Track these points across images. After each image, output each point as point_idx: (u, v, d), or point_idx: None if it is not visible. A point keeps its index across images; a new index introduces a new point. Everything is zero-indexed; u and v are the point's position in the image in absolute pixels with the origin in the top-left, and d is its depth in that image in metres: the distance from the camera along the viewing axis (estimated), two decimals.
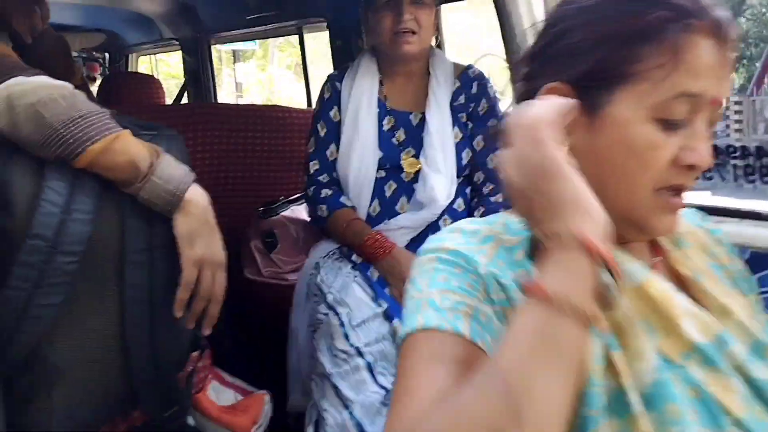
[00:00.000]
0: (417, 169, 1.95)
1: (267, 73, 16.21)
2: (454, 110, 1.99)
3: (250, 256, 2.32)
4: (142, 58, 4.60)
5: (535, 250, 0.77)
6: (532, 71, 0.82)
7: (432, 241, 0.82)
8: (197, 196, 1.28)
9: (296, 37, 3.19)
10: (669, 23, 0.73)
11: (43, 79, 1.23)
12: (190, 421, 1.48)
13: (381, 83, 2.03)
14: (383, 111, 2.00)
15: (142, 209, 1.25)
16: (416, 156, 1.96)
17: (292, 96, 13.65)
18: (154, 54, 5.07)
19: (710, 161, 0.75)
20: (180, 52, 3.66)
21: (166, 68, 9.66)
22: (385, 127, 1.99)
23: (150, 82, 3.25)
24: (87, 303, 1.22)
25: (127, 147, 1.22)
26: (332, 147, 2.03)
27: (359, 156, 1.95)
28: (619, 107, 0.75)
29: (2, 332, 1.13)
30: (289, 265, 2.28)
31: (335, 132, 2.02)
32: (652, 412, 0.70)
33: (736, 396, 0.73)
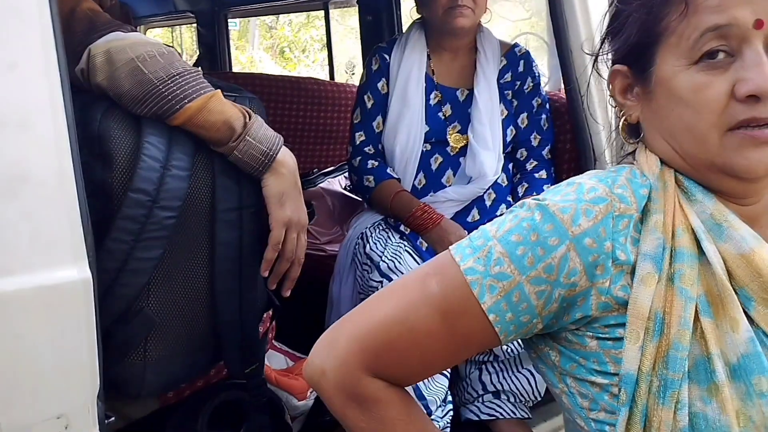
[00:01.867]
0: (463, 144, 1.98)
1: (247, 54, 16.05)
2: (501, 87, 2.02)
3: None
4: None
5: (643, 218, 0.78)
6: (607, 52, 0.88)
7: (549, 192, 0.81)
8: (287, 157, 1.30)
9: (273, 20, 3.17)
10: None
11: (141, 36, 1.24)
12: None
13: (429, 57, 2.05)
14: (431, 85, 2.03)
15: (232, 169, 1.27)
16: (462, 131, 1.99)
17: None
18: (163, 27, 5.01)
19: None
20: (170, 27, 3.61)
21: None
22: (432, 102, 2.02)
23: None
24: (180, 258, 1.25)
25: (222, 107, 1.24)
26: (379, 119, 2.05)
27: (407, 129, 1.98)
28: (662, 67, 0.78)
29: (104, 284, 1.14)
30: (326, 236, 2.31)
31: (382, 104, 2.05)
32: (738, 383, 0.71)
33: None
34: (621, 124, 0.87)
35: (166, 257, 1.21)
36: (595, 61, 0.90)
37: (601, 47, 0.89)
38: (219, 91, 1.26)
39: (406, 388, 0.85)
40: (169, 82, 1.19)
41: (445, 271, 0.79)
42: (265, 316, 1.47)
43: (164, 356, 1.25)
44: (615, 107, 0.89)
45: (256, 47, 16.27)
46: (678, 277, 0.74)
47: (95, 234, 1.09)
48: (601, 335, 0.77)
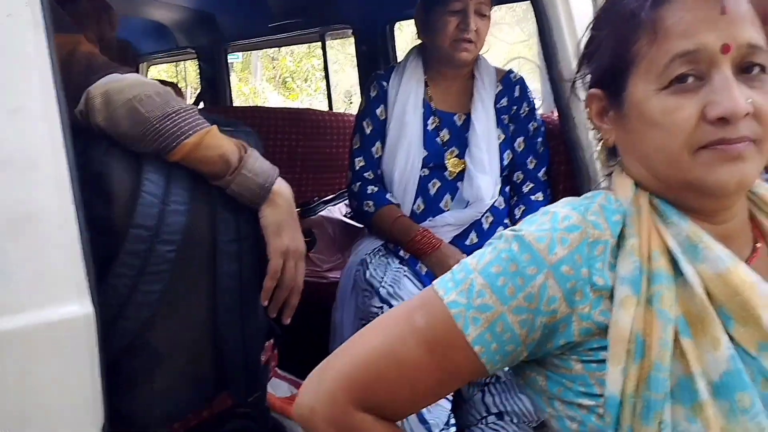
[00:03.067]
0: (461, 168, 2.01)
1: (250, 85, 16.22)
2: (497, 112, 2.06)
3: None
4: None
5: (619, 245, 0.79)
6: (582, 76, 0.91)
7: (524, 222, 0.83)
8: (284, 188, 1.34)
9: (275, 51, 3.24)
10: (644, 2, 0.79)
11: (137, 77, 1.28)
12: None
13: (426, 84, 2.10)
14: (428, 111, 2.07)
15: (230, 201, 1.30)
16: (459, 156, 2.03)
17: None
18: (166, 63, 5.10)
19: (738, 107, 0.73)
20: (174, 63, 3.67)
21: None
22: (430, 127, 2.06)
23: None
24: (183, 291, 1.27)
25: (217, 141, 1.27)
26: (377, 144, 2.09)
27: (405, 154, 2.02)
28: (634, 91, 0.80)
29: (107, 318, 1.17)
30: (327, 264, 2.33)
31: (381, 130, 2.09)
32: (720, 401, 0.72)
33: None
34: (600, 146, 0.90)
35: (169, 290, 1.24)
36: (573, 85, 0.93)
37: (578, 71, 0.92)
38: (215, 126, 1.29)
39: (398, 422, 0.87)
40: (165, 120, 1.23)
41: (430, 305, 0.81)
42: (267, 344, 1.49)
43: (170, 387, 1.27)
44: (593, 130, 0.92)
45: (259, 78, 16.46)
46: (656, 299, 0.76)
47: (98, 270, 1.12)
48: (585, 358, 0.78)
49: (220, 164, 1.27)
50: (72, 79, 1.25)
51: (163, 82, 3.68)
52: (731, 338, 0.75)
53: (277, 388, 1.81)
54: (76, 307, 1.07)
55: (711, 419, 0.71)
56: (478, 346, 0.78)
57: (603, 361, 0.76)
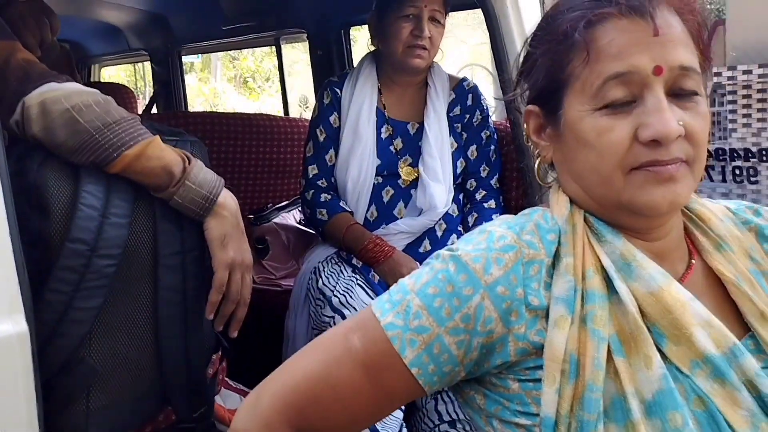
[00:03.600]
0: (414, 177, 2.01)
1: (210, 86, 16.04)
2: (450, 120, 2.06)
3: None
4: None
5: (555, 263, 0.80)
6: (521, 93, 0.91)
7: (461, 241, 0.83)
8: (229, 199, 1.31)
9: (237, 51, 3.21)
10: (577, 23, 0.79)
11: (76, 86, 1.24)
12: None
13: (380, 92, 2.09)
14: (381, 119, 2.06)
15: (173, 213, 1.27)
16: (413, 164, 2.03)
17: (236, 109, 13.61)
18: (117, 65, 5.00)
19: (670, 130, 0.74)
20: (125, 63, 3.60)
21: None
22: (383, 135, 2.05)
23: (122, 92, 3.21)
24: (122, 306, 1.24)
25: (160, 152, 1.24)
26: (331, 152, 2.07)
27: (358, 162, 2.00)
28: (569, 111, 0.81)
29: (42, 335, 1.13)
30: (281, 271, 2.31)
31: (334, 137, 2.07)
32: (653, 419, 0.72)
33: (743, 411, 0.73)
34: (537, 164, 0.90)
35: (108, 305, 1.21)
36: (512, 101, 0.93)
37: (515, 87, 0.92)
38: (157, 137, 1.26)
39: None
40: (105, 130, 1.20)
41: (367, 327, 0.80)
42: (214, 357, 1.46)
43: (108, 405, 1.23)
44: (530, 146, 0.92)
45: (219, 78, 16.27)
46: (590, 318, 0.76)
47: (33, 285, 1.09)
48: (522, 378, 0.78)
49: (162, 176, 1.24)
50: (7, 88, 1.21)
51: (115, 85, 3.62)
52: (664, 357, 0.75)
53: (228, 399, 1.77)
54: (9, 325, 1.04)
55: None
56: (416, 368, 0.77)
57: (539, 380, 0.76)
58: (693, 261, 0.86)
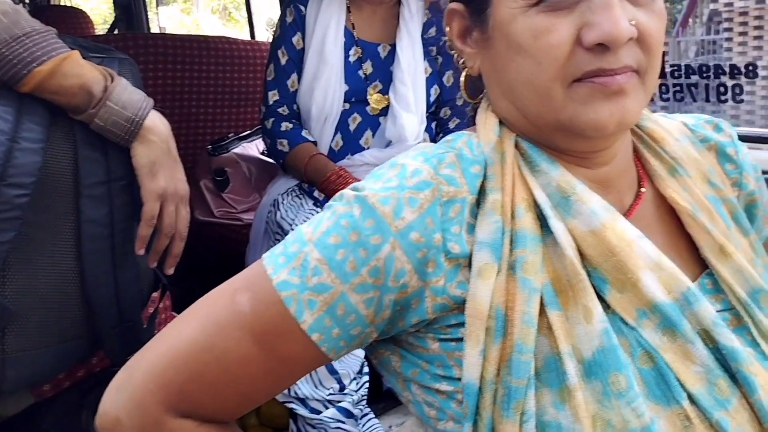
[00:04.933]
0: (384, 105, 1.88)
1: (192, 17, 15.58)
2: (425, 43, 1.91)
3: (200, 196, 2.22)
4: None
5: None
6: None
7: (370, 177, 0.70)
8: (158, 123, 1.18)
9: None
10: None
11: None
12: None
13: (348, 10, 1.92)
14: (350, 41, 1.90)
15: (97, 139, 1.15)
16: (383, 91, 1.89)
17: None
18: None
19: (620, 31, 0.61)
20: None
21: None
22: (352, 59, 1.90)
23: (78, 15, 3.02)
24: (40, 240, 1.12)
25: (77, 69, 1.11)
26: (293, 77, 1.92)
27: (323, 89, 1.86)
28: (499, 8, 0.67)
29: None
30: (242, 205, 2.20)
31: (297, 60, 1.91)
32: (593, 382, 0.61)
33: (696, 367, 0.64)
34: (463, 76, 0.76)
35: (23, 240, 1.09)
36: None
37: None
38: (75, 52, 1.12)
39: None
40: (13, 44, 1.06)
41: (257, 286, 0.66)
42: (154, 295, 1.36)
43: (27, 348, 1.13)
44: (455, 55, 0.77)
45: (202, 9, 15.79)
46: (519, 265, 0.64)
47: None
48: (442, 337, 0.67)
49: (80, 95, 1.10)
50: None
51: (69, 8, 3.40)
52: (607, 306, 0.64)
53: None
54: None
55: (581, 405, 0.60)
56: (316, 334, 0.65)
57: (462, 339, 0.65)
58: (643, 189, 0.74)
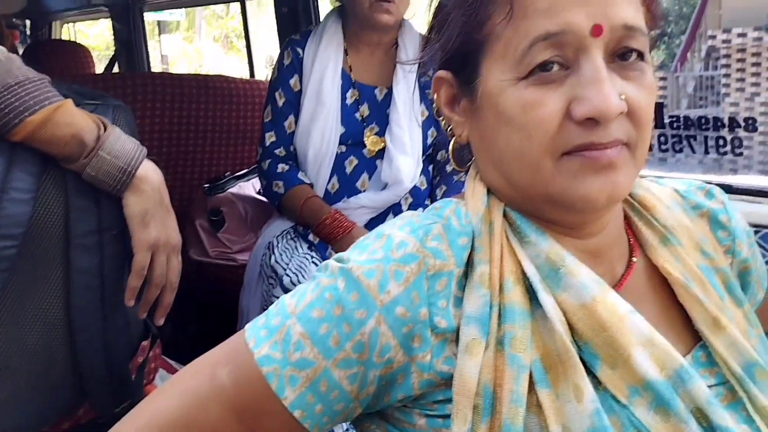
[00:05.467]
0: (380, 147, 1.87)
1: (194, 45, 15.72)
2: (422, 86, 1.91)
3: (196, 235, 2.21)
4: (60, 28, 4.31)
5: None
6: (429, 54, 0.74)
7: (354, 248, 0.68)
8: (150, 172, 1.17)
9: (223, 8, 3.03)
10: None
11: None
12: None
13: (346, 52, 1.92)
14: (347, 83, 1.90)
15: (88, 188, 1.14)
16: (380, 133, 1.88)
17: (222, 70, 13.33)
18: (80, 21, 4.78)
19: (610, 106, 0.60)
20: (101, 21, 3.43)
21: (84, 40, 9.24)
22: (349, 101, 1.89)
23: (78, 51, 3.04)
24: (28, 290, 1.11)
25: (70, 119, 1.10)
26: (290, 118, 1.92)
27: (320, 130, 1.85)
28: (488, 79, 0.66)
29: None
30: (238, 245, 2.18)
31: (295, 102, 1.91)
32: None
33: None
34: (451, 145, 0.75)
35: (10, 291, 1.07)
36: (419, 66, 0.77)
37: (425, 45, 0.75)
38: (68, 101, 1.12)
39: None
40: (6, 93, 1.05)
41: (238, 360, 0.65)
42: (144, 343, 1.34)
43: (12, 399, 1.11)
44: (443, 121, 0.75)
45: (204, 38, 15.93)
46: (508, 341, 0.62)
47: None
48: (429, 413, 0.65)
49: (72, 145, 1.09)
50: None
51: (71, 43, 3.42)
52: (598, 382, 0.63)
53: None
54: None
55: None
56: (298, 411, 0.63)
57: (449, 416, 0.63)
58: (634, 259, 0.73)
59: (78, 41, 4.06)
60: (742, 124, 1.55)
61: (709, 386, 0.66)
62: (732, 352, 0.68)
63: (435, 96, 0.74)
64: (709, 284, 0.72)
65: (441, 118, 0.75)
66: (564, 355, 0.62)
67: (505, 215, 0.69)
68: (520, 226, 0.68)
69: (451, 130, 0.75)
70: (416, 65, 1.90)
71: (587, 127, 0.61)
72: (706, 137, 1.62)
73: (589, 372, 0.62)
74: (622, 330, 0.63)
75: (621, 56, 0.63)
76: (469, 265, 0.66)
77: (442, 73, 0.72)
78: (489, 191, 0.71)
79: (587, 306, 0.63)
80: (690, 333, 0.70)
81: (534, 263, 0.66)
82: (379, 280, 0.63)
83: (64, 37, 5.34)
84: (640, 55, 0.64)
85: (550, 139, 0.62)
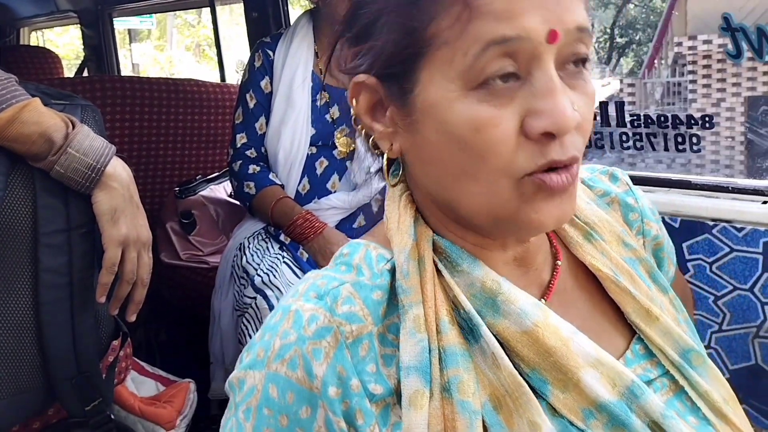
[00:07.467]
0: (351, 148, 1.88)
1: (166, 54, 15.61)
2: None
3: (167, 238, 2.20)
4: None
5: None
6: (360, 56, 0.64)
7: (263, 334, 0.60)
8: (119, 170, 1.18)
9: (195, 17, 3.03)
10: None
11: None
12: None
13: (316, 55, 1.94)
14: (317, 85, 1.91)
15: (57, 186, 1.14)
16: (350, 135, 1.89)
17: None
18: (49, 29, 4.73)
19: (567, 118, 0.55)
20: (71, 30, 3.40)
21: (53, 48, 9.15)
22: (319, 103, 1.90)
23: (47, 56, 3.01)
24: None
25: (37, 117, 1.10)
26: (261, 120, 1.92)
27: (291, 132, 1.86)
28: (430, 89, 0.58)
29: None
30: (209, 247, 2.18)
31: (266, 104, 1.92)
32: None
33: None
34: (385, 159, 0.66)
35: None
36: (352, 74, 0.65)
37: (354, 45, 0.65)
38: (36, 99, 1.12)
39: None
40: None
41: None
42: (115, 343, 1.33)
43: None
44: (360, 129, 0.66)
45: (175, 46, 15.81)
46: (454, 387, 0.57)
47: None
48: None
49: (40, 143, 1.10)
50: None
51: (39, 49, 3.40)
52: (552, 408, 0.60)
53: (142, 386, 1.65)
54: None
55: None
56: None
57: None
58: (558, 263, 0.69)
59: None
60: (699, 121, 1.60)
61: (653, 378, 0.66)
62: (667, 340, 0.67)
63: (353, 102, 0.65)
64: (637, 276, 0.71)
65: (359, 127, 0.67)
66: (514, 390, 0.58)
67: (433, 245, 0.63)
68: (450, 255, 0.63)
69: (372, 140, 0.66)
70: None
71: (543, 143, 0.56)
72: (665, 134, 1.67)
73: (540, 397, 0.59)
74: (568, 354, 0.60)
75: (569, 64, 0.58)
76: (388, 317, 0.60)
77: (362, 77, 0.63)
78: (415, 216, 0.65)
79: (529, 332, 0.59)
80: (625, 327, 0.69)
81: (468, 293, 0.62)
82: (303, 367, 0.56)
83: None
84: (584, 62, 0.59)
85: (507, 162, 0.56)
